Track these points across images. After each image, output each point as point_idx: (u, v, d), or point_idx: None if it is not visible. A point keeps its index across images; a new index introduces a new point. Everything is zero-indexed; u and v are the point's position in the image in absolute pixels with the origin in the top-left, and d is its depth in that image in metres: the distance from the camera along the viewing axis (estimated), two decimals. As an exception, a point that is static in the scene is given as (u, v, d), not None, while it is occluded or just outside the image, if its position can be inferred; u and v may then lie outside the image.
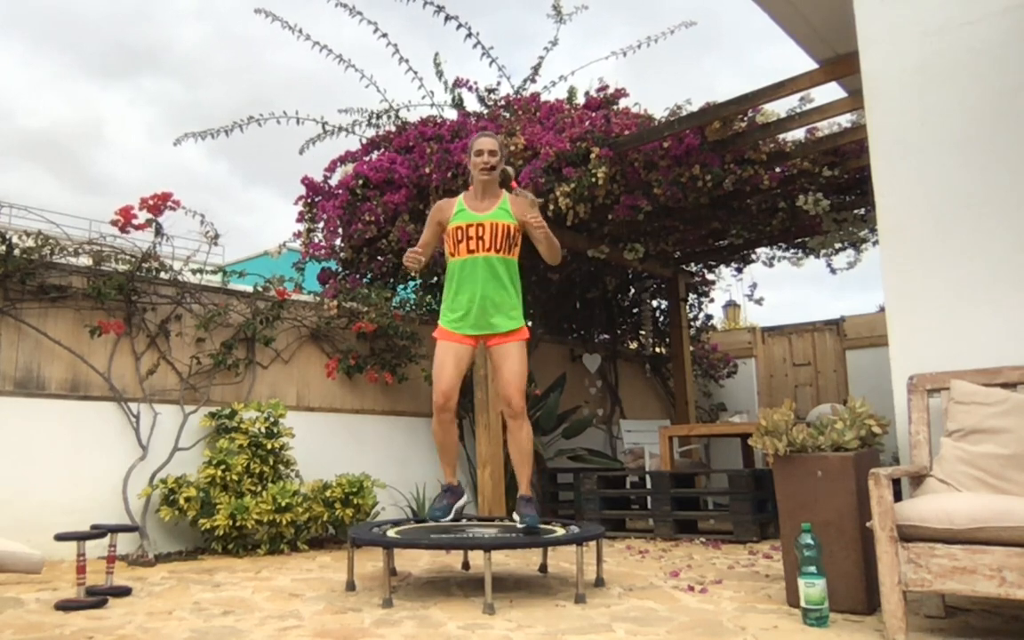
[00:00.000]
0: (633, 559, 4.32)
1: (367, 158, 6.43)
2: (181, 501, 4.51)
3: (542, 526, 3.68)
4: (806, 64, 4.59)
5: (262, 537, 4.64)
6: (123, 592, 3.29)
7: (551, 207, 5.44)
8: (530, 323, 7.30)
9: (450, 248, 3.58)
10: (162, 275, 5.06)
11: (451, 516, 3.55)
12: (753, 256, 7.99)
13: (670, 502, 5.24)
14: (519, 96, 6.47)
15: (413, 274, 6.70)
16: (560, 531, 3.52)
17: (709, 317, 9.47)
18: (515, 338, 3.52)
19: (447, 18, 6.26)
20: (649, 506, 5.56)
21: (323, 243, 6.47)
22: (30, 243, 4.57)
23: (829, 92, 4.86)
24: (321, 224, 6.48)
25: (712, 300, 9.28)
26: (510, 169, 3.66)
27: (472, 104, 6.58)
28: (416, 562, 4.23)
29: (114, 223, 4.83)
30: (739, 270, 8.43)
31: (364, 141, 6.57)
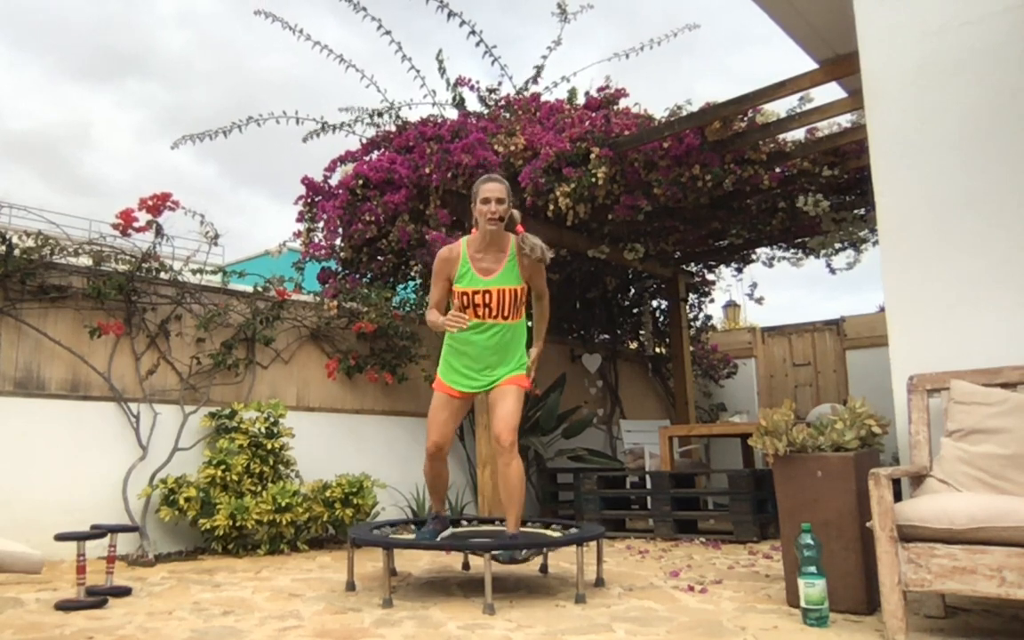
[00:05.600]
0: (633, 559, 4.32)
1: (367, 158, 6.43)
2: (181, 501, 4.51)
3: (542, 530, 3.69)
4: (804, 64, 4.59)
5: (262, 537, 4.64)
6: (123, 592, 3.29)
7: (551, 207, 5.45)
8: (530, 323, 7.31)
9: (455, 309, 3.43)
10: (162, 275, 5.06)
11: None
12: (753, 256, 7.99)
13: (670, 502, 5.24)
14: (520, 96, 6.47)
15: (412, 274, 6.71)
16: (560, 532, 3.53)
17: (709, 317, 9.46)
18: (513, 382, 3.42)
19: (450, 15, 6.25)
20: (649, 506, 5.56)
21: (323, 243, 6.47)
22: (30, 243, 4.57)
23: (829, 92, 4.87)
24: (321, 224, 6.48)
25: (712, 300, 9.29)
26: (516, 213, 3.43)
27: (473, 104, 6.58)
28: (416, 562, 4.23)
29: (115, 226, 4.84)
30: (739, 270, 8.43)
31: (364, 141, 6.57)
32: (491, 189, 3.35)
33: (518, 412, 3.37)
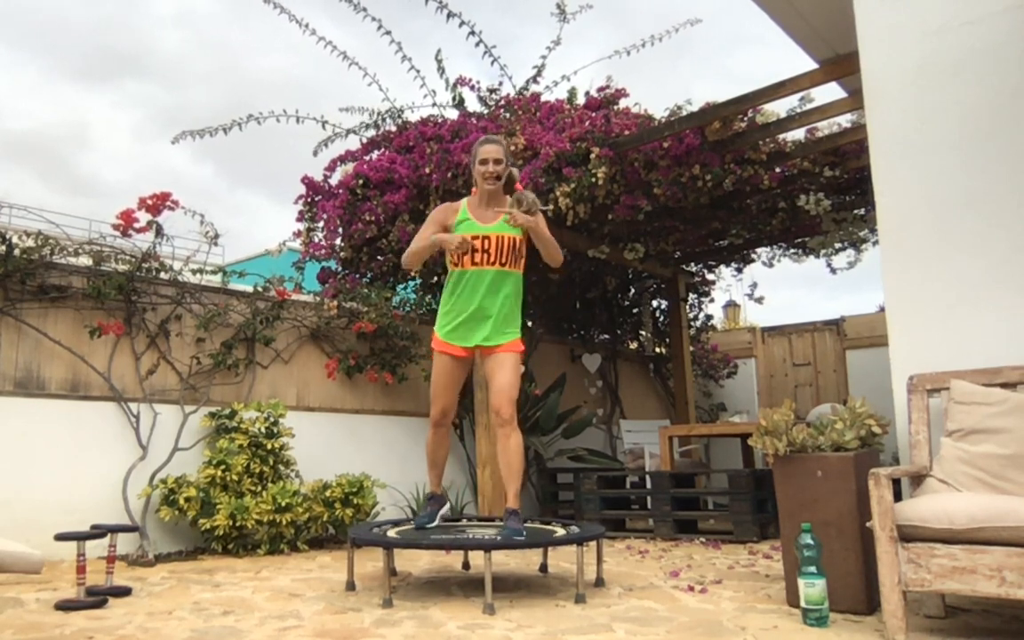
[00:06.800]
0: (633, 559, 4.32)
1: (367, 158, 6.44)
2: (181, 501, 4.51)
3: (542, 527, 3.70)
4: (804, 64, 4.59)
5: (262, 537, 4.64)
6: (123, 592, 3.29)
7: (551, 207, 5.45)
8: (530, 323, 7.33)
9: (453, 258, 3.50)
10: (162, 275, 5.06)
11: (436, 522, 3.57)
12: (753, 256, 8.00)
13: (670, 502, 5.23)
14: (520, 96, 6.47)
15: (412, 273, 6.69)
16: (560, 531, 3.53)
17: (709, 317, 9.47)
18: (509, 349, 3.47)
19: (449, 15, 6.26)
20: (649, 506, 5.56)
21: (323, 243, 6.48)
22: (30, 243, 4.57)
23: (829, 92, 4.87)
24: (321, 224, 6.48)
25: (712, 300, 9.29)
26: (515, 171, 3.55)
27: (473, 104, 6.58)
28: (416, 562, 4.23)
29: (116, 227, 4.84)
30: (739, 270, 8.43)
31: (364, 141, 6.57)
32: (488, 150, 3.49)
33: (516, 382, 3.45)
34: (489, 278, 3.44)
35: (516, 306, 3.54)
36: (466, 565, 3.95)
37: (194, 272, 5.26)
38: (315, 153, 6.49)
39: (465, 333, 3.48)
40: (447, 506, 3.70)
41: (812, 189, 5.65)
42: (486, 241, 3.43)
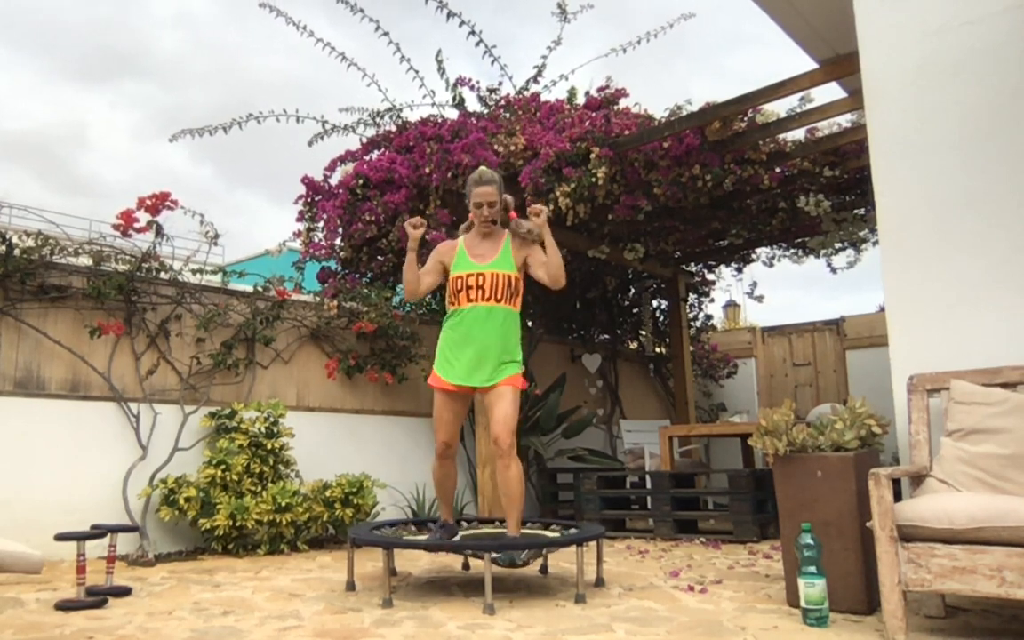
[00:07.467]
0: (633, 559, 4.32)
1: (367, 158, 6.43)
2: (181, 501, 4.51)
3: (542, 531, 3.69)
4: (804, 64, 4.60)
5: (262, 537, 4.64)
6: (123, 592, 3.30)
7: (551, 207, 5.44)
8: (530, 323, 7.33)
9: (450, 297, 3.52)
10: (162, 275, 5.06)
11: None
12: (753, 256, 8.00)
13: (670, 502, 5.24)
14: (520, 96, 6.47)
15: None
16: (560, 532, 3.53)
17: (709, 317, 9.47)
18: (509, 383, 3.43)
19: (449, 15, 6.25)
20: (649, 506, 5.56)
21: (323, 243, 6.47)
22: (30, 243, 4.57)
23: (829, 92, 4.87)
24: (321, 224, 6.48)
25: (712, 300, 9.29)
26: (510, 199, 3.56)
27: (473, 104, 6.58)
28: (416, 562, 4.23)
29: (116, 227, 4.84)
30: (739, 270, 8.43)
31: (364, 140, 6.57)
32: (483, 193, 3.47)
33: (515, 413, 3.41)
34: (484, 314, 3.42)
35: (513, 343, 3.50)
36: (466, 565, 3.95)
37: (194, 272, 5.26)
38: (310, 143, 6.44)
39: (463, 372, 3.43)
40: (459, 536, 3.58)
41: (812, 189, 5.65)
42: (481, 278, 3.43)
